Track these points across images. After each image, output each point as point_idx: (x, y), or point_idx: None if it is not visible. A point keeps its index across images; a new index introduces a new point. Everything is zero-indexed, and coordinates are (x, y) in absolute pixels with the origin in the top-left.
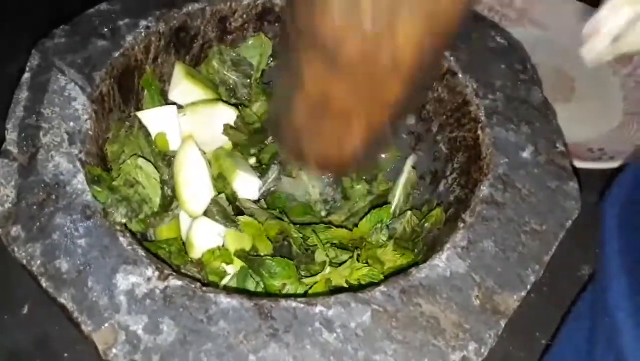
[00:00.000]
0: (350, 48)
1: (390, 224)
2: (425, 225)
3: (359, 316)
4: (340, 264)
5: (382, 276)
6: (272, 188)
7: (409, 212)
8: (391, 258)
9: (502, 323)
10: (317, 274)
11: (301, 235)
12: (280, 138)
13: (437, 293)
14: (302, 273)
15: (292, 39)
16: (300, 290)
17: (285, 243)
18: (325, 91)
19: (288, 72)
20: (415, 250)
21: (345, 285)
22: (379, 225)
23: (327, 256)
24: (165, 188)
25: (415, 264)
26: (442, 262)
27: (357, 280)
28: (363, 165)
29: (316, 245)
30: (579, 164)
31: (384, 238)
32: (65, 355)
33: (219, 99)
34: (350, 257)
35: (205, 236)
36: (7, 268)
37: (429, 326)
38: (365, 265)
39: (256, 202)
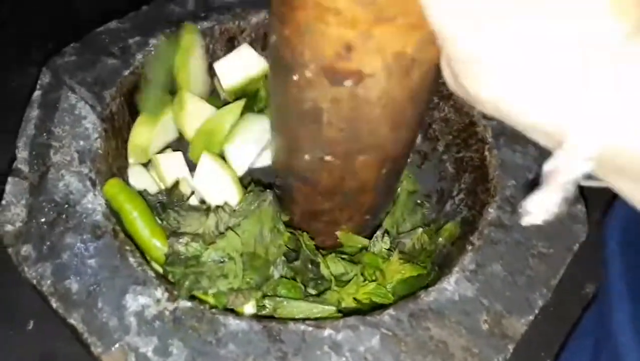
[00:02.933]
0: (324, 182)
1: (400, 239)
2: (439, 240)
3: (368, 340)
4: (347, 282)
5: (390, 294)
6: None
7: (420, 229)
8: (396, 269)
9: (511, 347)
10: (324, 291)
11: (313, 244)
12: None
13: (446, 318)
14: (311, 290)
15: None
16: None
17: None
18: (314, 207)
19: (284, 192)
20: (425, 269)
21: (354, 304)
22: (379, 233)
23: (332, 275)
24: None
25: (422, 279)
26: (451, 285)
27: (364, 297)
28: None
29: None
30: (582, 182)
31: (386, 247)
32: None
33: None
34: (355, 274)
35: None
36: (12, 284)
37: (438, 351)
38: (372, 281)
39: None
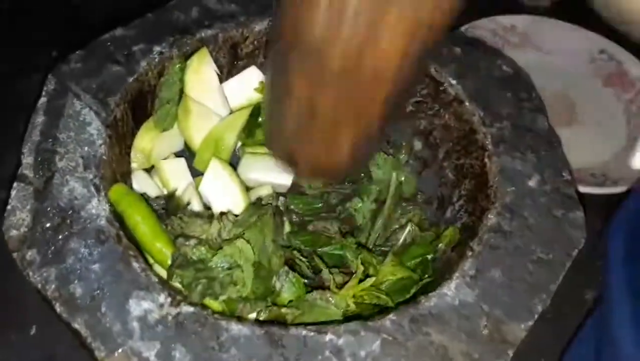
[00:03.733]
0: (335, 57)
1: (389, 235)
2: (440, 245)
3: (369, 345)
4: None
5: (387, 298)
6: None
7: (409, 224)
8: (390, 271)
9: (510, 352)
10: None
11: (306, 261)
12: (272, 144)
13: (446, 323)
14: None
15: (280, 45)
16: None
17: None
18: (313, 98)
19: (278, 78)
20: (426, 275)
21: (351, 303)
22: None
23: (334, 280)
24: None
25: (416, 283)
26: (451, 290)
27: (359, 296)
28: (353, 170)
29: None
30: (582, 189)
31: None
32: None
33: None
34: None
35: None
36: (15, 288)
37: (438, 356)
38: (369, 277)
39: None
